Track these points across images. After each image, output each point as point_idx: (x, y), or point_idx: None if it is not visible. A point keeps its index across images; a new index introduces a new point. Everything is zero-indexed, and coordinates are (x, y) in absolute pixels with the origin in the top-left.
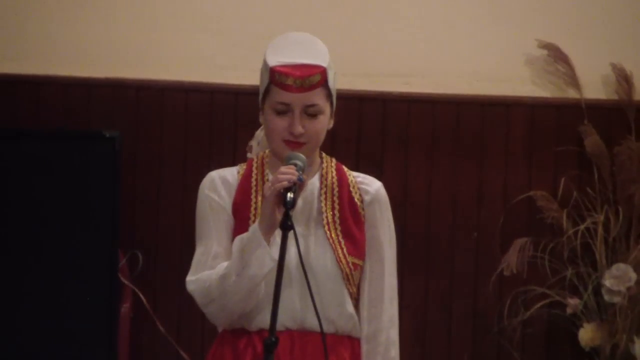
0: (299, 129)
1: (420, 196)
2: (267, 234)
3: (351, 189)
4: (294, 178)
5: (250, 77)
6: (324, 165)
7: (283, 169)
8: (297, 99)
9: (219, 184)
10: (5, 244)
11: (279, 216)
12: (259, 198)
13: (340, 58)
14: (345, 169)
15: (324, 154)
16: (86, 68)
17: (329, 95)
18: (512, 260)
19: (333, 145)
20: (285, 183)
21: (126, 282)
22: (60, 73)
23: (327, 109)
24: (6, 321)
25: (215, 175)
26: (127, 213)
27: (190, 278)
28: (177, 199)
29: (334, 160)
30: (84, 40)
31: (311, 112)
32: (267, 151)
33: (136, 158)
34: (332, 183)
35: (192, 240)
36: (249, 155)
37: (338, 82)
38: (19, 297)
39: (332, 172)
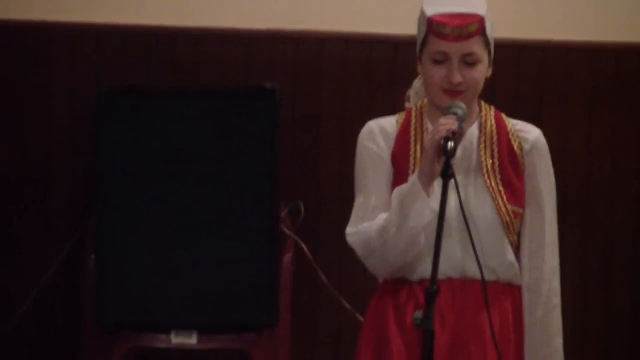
0: (457, 77)
1: (580, 147)
2: (427, 185)
3: (510, 137)
4: (454, 127)
5: (408, 27)
6: (483, 113)
7: (442, 119)
8: (455, 48)
9: (378, 134)
10: (167, 198)
11: (438, 167)
12: (418, 148)
13: (499, 6)
14: (504, 116)
15: (482, 102)
16: (245, 20)
17: (486, 43)
18: None
19: (492, 94)
20: (444, 133)
21: (288, 232)
22: (219, 25)
23: (484, 57)
24: (168, 273)
25: (374, 125)
26: (288, 164)
27: (350, 230)
28: (337, 150)
29: (492, 108)
30: None
31: (469, 61)
32: (425, 100)
33: (295, 110)
34: (491, 131)
35: (352, 191)
36: (406, 104)
37: (496, 30)
38: (181, 251)
39: (490, 120)
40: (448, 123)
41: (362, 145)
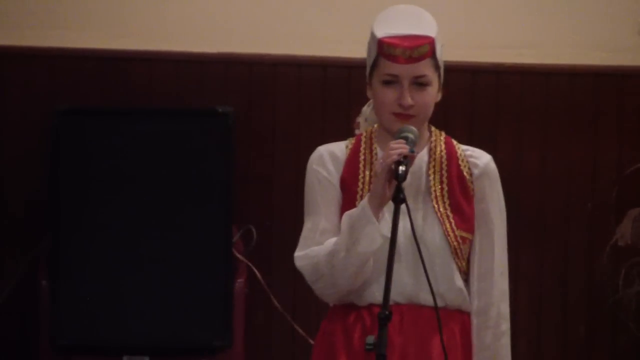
0: (408, 100)
1: (534, 168)
2: (377, 210)
3: (460, 162)
4: (405, 151)
5: (362, 50)
6: (433, 138)
7: (393, 143)
8: (405, 70)
9: (327, 159)
10: (122, 221)
11: (389, 192)
12: (367, 173)
13: (452, 30)
14: (454, 142)
15: (432, 127)
16: (199, 43)
17: (437, 66)
18: (626, 230)
19: (446, 118)
20: (395, 157)
21: (240, 257)
22: (173, 49)
23: (435, 80)
24: (121, 297)
25: (323, 150)
26: (241, 188)
27: (298, 254)
28: (291, 174)
29: (442, 133)
30: (196, 16)
31: (420, 84)
32: (375, 126)
33: (249, 133)
34: (441, 157)
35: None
36: (356, 131)
37: (451, 54)
38: (134, 273)
39: (440, 145)
40: (399, 147)
41: (312, 170)
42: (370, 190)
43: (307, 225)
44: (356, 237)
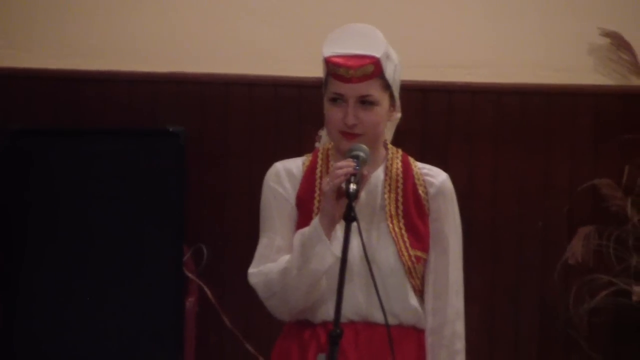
0: (350, 119)
1: (486, 186)
2: (328, 229)
3: (416, 180)
4: (351, 170)
5: (313, 69)
6: (389, 156)
7: (340, 162)
8: (350, 90)
9: (284, 176)
10: (73, 240)
11: (340, 210)
12: None
13: (403, 49)
14: (411, 160)
15: (390, 146)
16: (151, 63)
17: (386, 86)
18: (577, 249)
19: (397, 137)
20: (343, 177)
21: (191, 276)
22: (123, 69)
23: (384, 100)
24: (71, 317)
25: (280, 166)
26: (193, 207)
27: (252, 270)
28: (243, 192)
29: (400, 151)
30: (147, 36)
31: (366, 103)
32: (332, 143)
33: (201, 152)
34: (397, 175)
35: (257, 234)
36: (317, 144)
37: (402, 73)
38: (85, 291)
39: (397, 163)
40: (345, 166)
41: (268, 187)
42: (321, 210)
43: (263, 242)
44: (307, 255)
